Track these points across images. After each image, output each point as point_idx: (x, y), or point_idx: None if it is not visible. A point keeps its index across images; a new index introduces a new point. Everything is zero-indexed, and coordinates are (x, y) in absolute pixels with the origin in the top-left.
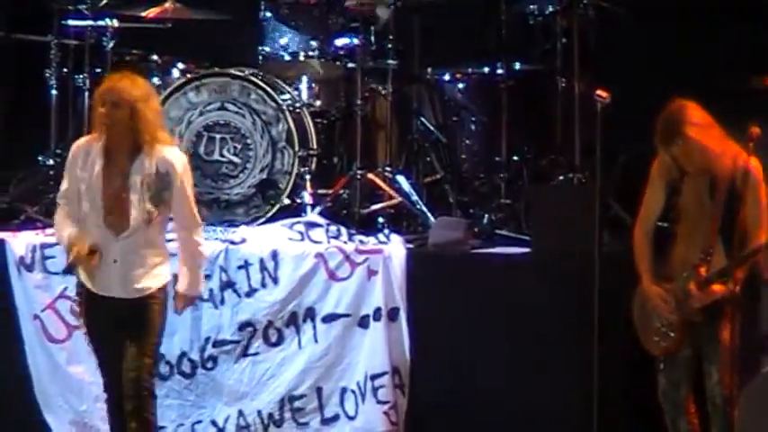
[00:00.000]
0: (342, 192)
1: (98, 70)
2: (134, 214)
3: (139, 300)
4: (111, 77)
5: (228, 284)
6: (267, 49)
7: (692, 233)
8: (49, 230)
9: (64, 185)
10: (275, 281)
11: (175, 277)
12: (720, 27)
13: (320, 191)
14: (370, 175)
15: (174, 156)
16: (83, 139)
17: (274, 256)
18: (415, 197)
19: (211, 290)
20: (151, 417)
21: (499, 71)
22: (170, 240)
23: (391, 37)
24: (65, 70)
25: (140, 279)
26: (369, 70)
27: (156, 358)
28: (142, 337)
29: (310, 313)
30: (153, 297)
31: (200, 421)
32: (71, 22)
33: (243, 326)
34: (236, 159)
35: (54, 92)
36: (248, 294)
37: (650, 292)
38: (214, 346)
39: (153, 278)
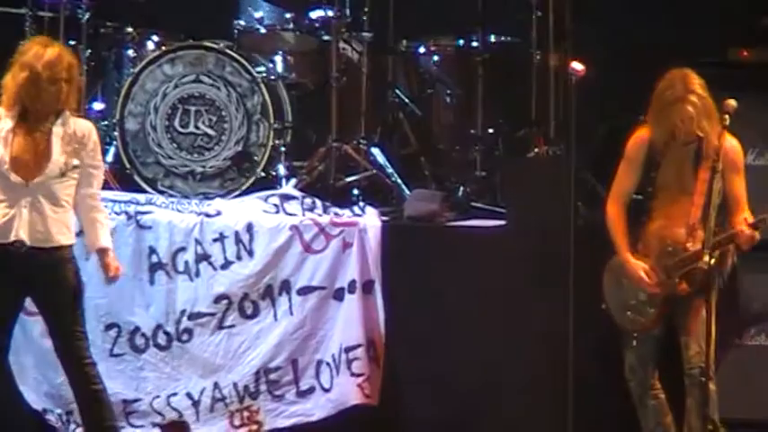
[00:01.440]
0: (317, 164)
1: (72, 43)
2: (53, 160)
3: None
4: (37, 46)
5: (204, 257)
6: (242, 22)
7: (670, 208)
8: None
9: None
10: (250, 253)
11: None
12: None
13: (295, 163)
14: (346, 148)
15: (88, 124)
16: None
17: (249, 228)
18: (390, 170)
19: (186, 262)
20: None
21: (474, 44)
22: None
23: (366, 9)
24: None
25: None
26: (344, 41)
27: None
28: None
29: (285, 286)
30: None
31: (175, 393)
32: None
33: (218, 298)
34: (210, 132)
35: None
36: (223, 267)
37: (632, 266)
38: (189, 318)
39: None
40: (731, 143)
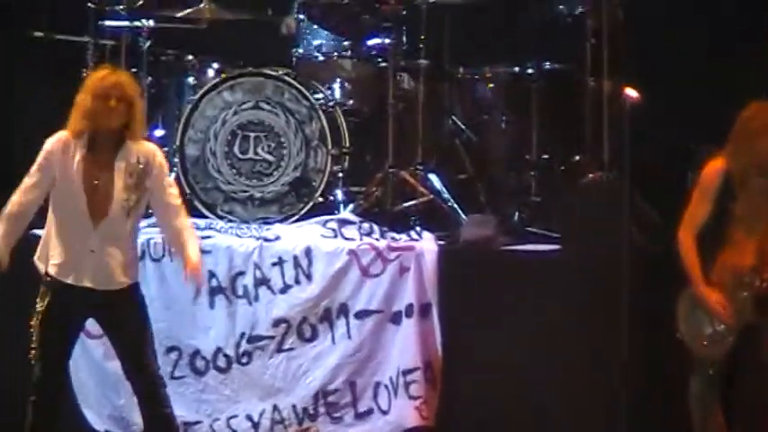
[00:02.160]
0: (374, 190)
1: (134, 70)
2: (116, 199)
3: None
4: (104, 71)
5: (263, 281)
6: (301, 50)
7: (746, 239)
8: None
9: (33, 178)
10: (309, 277)
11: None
12: (751, 32)
13: (353, 188)
14: (403, 174)
15: (152, 148)
16: (59, 136)
17: (308, 252)
18: (446, 195)
19: (245, 286)
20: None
21: (529, 71)
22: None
23: (422, 36)
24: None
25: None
26: (401, 69)
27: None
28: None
29: (343, 309)
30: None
31: (235, 416)
32: (108, 23)
33: (277, 322)
34: (269, 157)
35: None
36: (282, 291)
37: (708, 297)
38: (249, 341)
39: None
40: None
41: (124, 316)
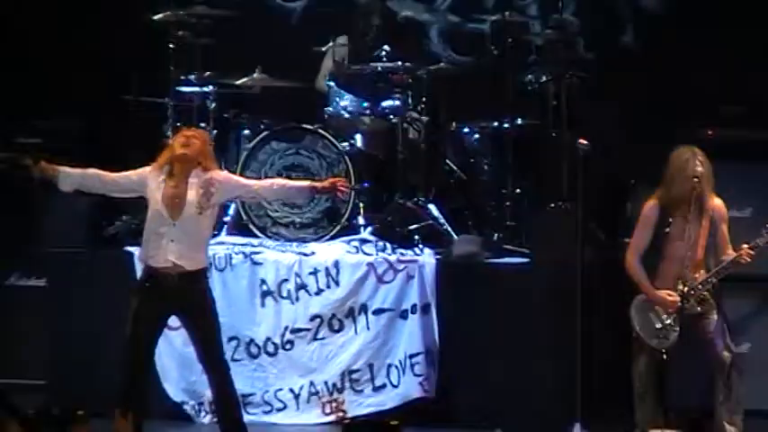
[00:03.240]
0: (387, 216)
1: (202, 125)
2: (189, 201)
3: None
4: (187, 130)
5: (302, 286)
6: (331, 109)
7: (677, 254)
8: None
9: (119, 176)
10: (337, 283)
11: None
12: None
13: (371, 215)
14: (408, 204)
15: (217, 171)
16: (150, 167)
17: (336, 264)
18: (442, 220)
19: (289, 290)
20: None
21: (506, 125)
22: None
23: (424, 99)
24: (177, 125)
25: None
26: (408, 124)
27: None
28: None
29: (363, 308)
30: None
31: (280, 389)
32: (183, 89)
33: (313, 317)
34: None
35: (170, 141)
36: (317, 293)
37: (657, 296)
38: (291, 332)
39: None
40: (720, 201)
41: (195, 292)
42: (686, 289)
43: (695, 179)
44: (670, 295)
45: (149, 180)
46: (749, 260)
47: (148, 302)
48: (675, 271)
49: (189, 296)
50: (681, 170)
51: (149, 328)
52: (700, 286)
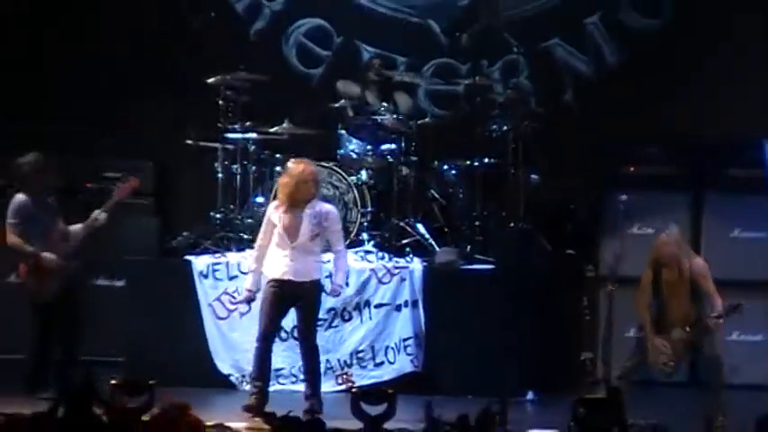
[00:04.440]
0: (386, 233)
1: (245, 163)
2: (303, 230)
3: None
4: (296, 162)
5: (249, 301)
6: (342, 150)
7: (671, 303)
8: (217, 255)
9: (262, 235)
10: (347, 284)
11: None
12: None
13: (373, 232)
14: (401, 223)
15: (328, 206)
16: (272, 204)
17: (346, 270)
18: (427, 236)
19: None
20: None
21: (476, 163)
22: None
23: (414, 143)
24: (226, 163)
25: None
26: (401, 163)
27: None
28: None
29: (367, 303)
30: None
31: None
32: (229, 135)
33: (329, 310)
34: None
35: (220, 176)
36: (248, 302)
37: (656, 342)
38: None
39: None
40: (700, 262)
41: (310, 298)
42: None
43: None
44: (665, 346)
45: (272, 216)
46: (717, 327)
47: (274, 301)
48: (672, 317)
49: (302, 297)
50: (661, 260)
51: (275, 318)
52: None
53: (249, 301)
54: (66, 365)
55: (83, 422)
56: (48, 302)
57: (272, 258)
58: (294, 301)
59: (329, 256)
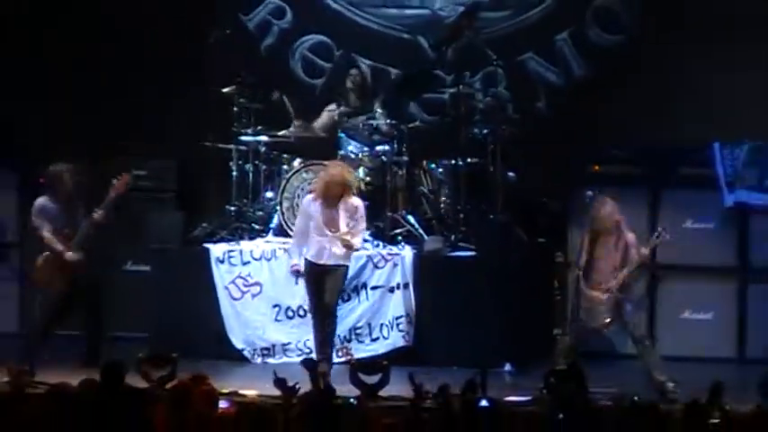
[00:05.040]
0: (380, 224)
1: (256, 162)
2: (341, 225)
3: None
4: (338, 167)
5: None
6: (342, 151)
7: (598, 267)
8: (232, 243)
9: (298, 221)
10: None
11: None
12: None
13: (369, 223)
14: (395, 215)
15: (357, 201)
16: (309, 196)
17: None
18: (417, 226)
19: None
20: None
21: (461, 162)
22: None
23: (405, 145)
24: (239, 163)
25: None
26: (394, 162)
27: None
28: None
29: (364, 285)
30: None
31: (308, 339)
32: (242, 138)
33: None
34: None
35: (234, 174)
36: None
37: (591, 294)
38: None
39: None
40: (632, 234)
41: (337, 279)
42: (607, 289)
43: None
44: (599, 297)
45: (309, 207)
46: (645, 263)
47: (313, 281)
48: (603, 273)
49: (332, 279)
50: (598, 214)
51: (315, 293)
52: (616, 286)
53: (298, 274)
54: (95, 341)
55: (117, 390)
56: (61, 292)
57: (312, 244)
58: (328, 279)
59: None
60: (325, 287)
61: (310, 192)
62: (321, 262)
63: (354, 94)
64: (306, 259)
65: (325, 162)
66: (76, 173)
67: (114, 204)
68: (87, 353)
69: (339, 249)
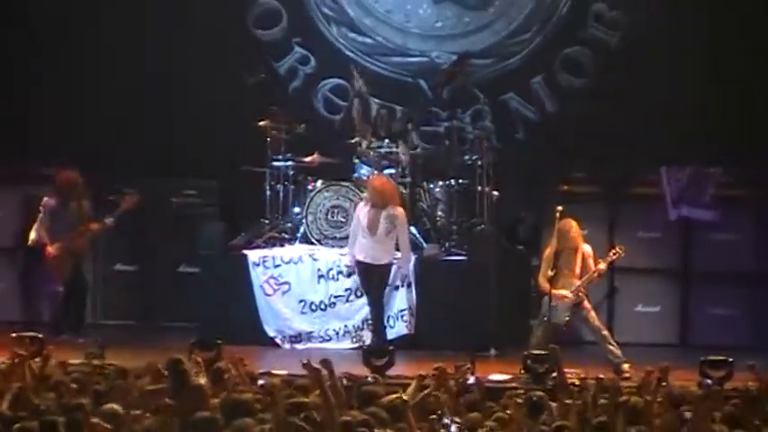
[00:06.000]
0: None
1: (285, 183)
2: (380, 226)
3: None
4: (375, 178)
5: (340, 272)
6: (356, 174)
7: (563, 274)
8: (266, 250)
9: (351, 228)
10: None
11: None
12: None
13: None
14: None
15: (399, 210)
16: (362, 204)
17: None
18: (418, 236)
19: (333, 274)
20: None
21: (453, 183)
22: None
23: (407, 170)
24: (272, 183)
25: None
26: (399, 183)
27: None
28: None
29: None
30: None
31: (328, 329)
32: (274, 163)
33: (346, 289)
34: (342, 219)
35: (268, 193)
36: (348, 276)
37: (556, 292)
38: (334, 297)
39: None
40: (588, 247)
41: (383, 276)
42: (571, 291)
43: (572, 238)
44: (562, 296)
45: (360, 213)
46: (602, 275)
47: (361, 276)
48: (564, 281)
49: (376, 275)
50: (562, 232)
51: (369, 287)
52: (578, 289)
53: (350, 273)
54: (80, 314)
55: (177, 370)
56: (66, 278)
57: (359, 246)
58: (373, 275)
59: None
60: (371, 281)
61: (361, 200)
62: (367, 261)
63: (358, 117)
64: (356, 258)
65: (343, 182)
66: (76, 180)
67: (123, 214)
68: (74, 324)
69: (379, 252)
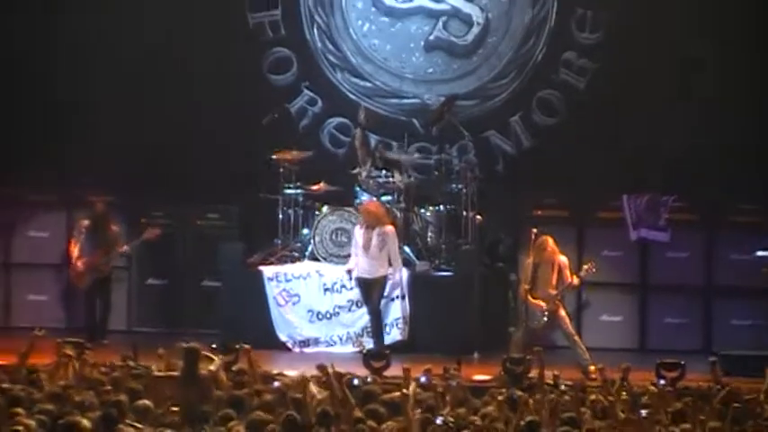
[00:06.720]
0: None
1: (296, 209)
2: (373, 243)
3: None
4: (368, 204)
5: (343, 286)
6: (358, 200)
7: (540, 285)
8: (279, 266)
9: (352, 248)
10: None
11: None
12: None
13: None
14: None
15: (389, 228)
16: (357, 226)
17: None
18: (411, 255)
19: (337, 287)
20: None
21: (442, 209)
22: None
23: (403, 196)
24: (285, 209)
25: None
26: (394, 208)
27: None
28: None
29: None
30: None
31: (332, 335)
32: (286, 191)
33: (348, 300)
34: (345, 240)
35: (280, 216)
36: (350, 289)
37: (533, 301)
38: (338, 308)
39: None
40: (564, 258)
41: (377, 287)
42: (548, 301)
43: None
44: (540, 305)
45: (356, 233)
46: (577, 287)
47: (363, 291)
48: (542, 292)
49: (373, 288)
50: (540, 249)
51: (368, 299)
52: (554, 298)
53: (350, 273)
54: (104, 321)
55: (195, 374)
56: (87, 288)
57: (357, 262)
58: (370, 288)
59: None
60: (369, 294)
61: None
62: (364, 276)
63: (358, 144)
64: (355, 276)
65: (346, 208)
66: (103, 209)
67: (143, 243)
68: (98, 330)
69: (373, 267)
